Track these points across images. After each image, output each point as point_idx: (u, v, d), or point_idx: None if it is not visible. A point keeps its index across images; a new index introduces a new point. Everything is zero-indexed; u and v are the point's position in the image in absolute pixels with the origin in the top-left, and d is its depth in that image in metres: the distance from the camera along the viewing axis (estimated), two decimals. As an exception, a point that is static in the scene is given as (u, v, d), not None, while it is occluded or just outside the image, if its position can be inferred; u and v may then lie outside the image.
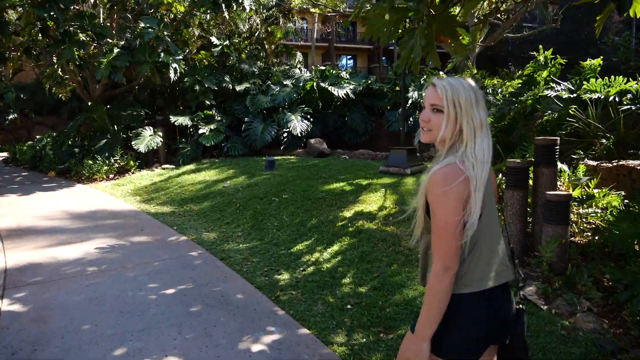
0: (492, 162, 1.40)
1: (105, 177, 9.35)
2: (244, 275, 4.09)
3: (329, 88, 10.83)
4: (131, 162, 9.68)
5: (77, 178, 9.57)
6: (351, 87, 11.09)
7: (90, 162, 9.59)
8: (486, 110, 1.38)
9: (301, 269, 4.13)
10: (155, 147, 9.73)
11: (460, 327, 1.36)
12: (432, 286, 1.33)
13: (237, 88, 10.91)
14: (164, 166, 9.90)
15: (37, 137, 13.10)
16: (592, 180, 4.56)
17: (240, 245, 4.97)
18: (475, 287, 1.36)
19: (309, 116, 10.67)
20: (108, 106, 10.95)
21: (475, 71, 11.82)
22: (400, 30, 3.61)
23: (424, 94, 1.49)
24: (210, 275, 4.06)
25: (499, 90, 10.06)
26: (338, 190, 6.29)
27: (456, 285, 1.36)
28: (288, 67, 12.59)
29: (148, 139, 9.81)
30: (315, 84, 10.98)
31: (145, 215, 6.45)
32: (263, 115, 10.77)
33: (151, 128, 10.12)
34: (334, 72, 11.53)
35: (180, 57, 9.61)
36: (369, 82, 11.23)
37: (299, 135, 10.32)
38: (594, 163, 4.95)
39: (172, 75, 9.44)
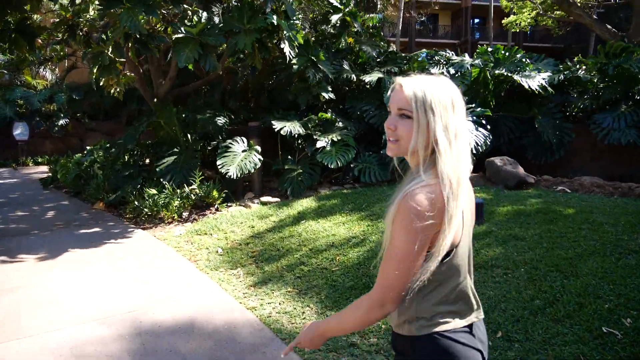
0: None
1: (176, 216, 5.93)
2: None
3: (515, 77, 6.88)
4: (214, 193, 6.21)
5: (135, 216, 6.23)
6: (544, 76, 7.09)
7: (154, 191, 6.22)
8: (464, 117, 1.14)
9: None
10: (253, 170, 6.19)
11: None
12: (359, 311, 1.15)
13: (367, 79, 7.20)
14: (262, 199, 6.35)
15: (87, 148, 10.09)
16: None
17: None
18: (432, 328, 1.15)
19: (484, 122, 6.78)
20: (179, 106, 7.63)
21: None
22: None
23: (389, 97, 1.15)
24: None
25: None
26: None
27: (410, 325, 1.17)
28: (435, 50, 8.76)
29: (241, 156, 6.29)
30: (487, 71, 7.08)
31: (283, 348, 2.82)
32: (411, 120, 7.00)
33: (243, 140, 6.60)
34: (507, 54, 7.58)
35: (299, 21, 6.02)
36: (573, 68, 7.18)
37: (473, 151, 6.46)
38: None
39: (287, 50, 5.86)
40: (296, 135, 6.59)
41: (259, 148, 6.44)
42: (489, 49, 7.72)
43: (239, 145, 6.45)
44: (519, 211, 4.65)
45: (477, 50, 7.80)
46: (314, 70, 6.88)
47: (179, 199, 6.07)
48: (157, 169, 6.63)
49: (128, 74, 6.96)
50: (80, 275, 4.07)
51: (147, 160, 8.04)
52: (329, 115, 7.01)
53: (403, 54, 8.70)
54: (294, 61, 6.76)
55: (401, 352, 1.22)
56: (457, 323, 1.16)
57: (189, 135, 7.11)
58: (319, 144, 6.49)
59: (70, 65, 14.75)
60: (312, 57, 6.92)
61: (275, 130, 6.50)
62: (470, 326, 1.18)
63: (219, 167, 6.09)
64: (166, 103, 6.96)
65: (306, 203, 5.91)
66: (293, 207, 5.81)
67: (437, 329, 1.15)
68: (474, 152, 6.50)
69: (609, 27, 14.33)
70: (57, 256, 4.62)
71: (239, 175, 6.01)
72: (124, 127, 12.72)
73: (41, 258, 4.56)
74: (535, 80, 6.94)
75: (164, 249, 4.88)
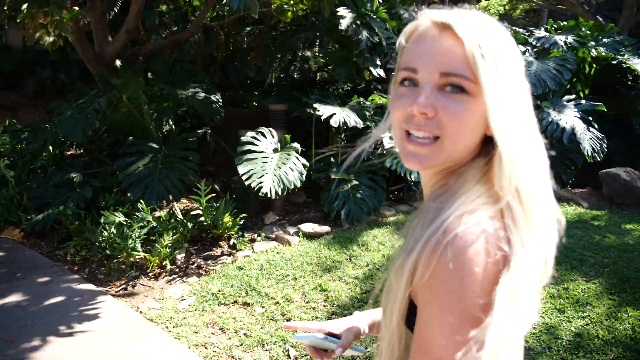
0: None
1: (168, 262, 3.39)
2: None
3: (631, 62, 5.18)
4: (226, 219, 3.73)
5: (85, 260, 3.56)
6: (652, 61, 5.49)
7: (121, 216, 3.60)
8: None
9: None
10: (299, 183, 3.78)
11: None
12: None
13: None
14: (303, 227, 3.95)
15: (-17, 130, 6.82)
16: None
17: None
18: None
19: (590, 118, 5.00)
20: (149, 75, 4.92)
21: None
22: None
23: (400, 48, 0.63)
24: None
25: None
26: None
27: None
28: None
29: (275, 160, 3.83)
30: (587, 52, 5.30)
31: None
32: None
33: (272, 133, 4.12)
34: (601, 31, 5.89)
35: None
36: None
37: (588, 158, 4.66)
38: None
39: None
40: (353, 127, 4.28)
41: (297, 146, 4.04)
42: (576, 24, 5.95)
43: (266, 140, 3.98)
44: None
45: (555, 25, 5.98)
46: (368, 34, 4.60)
47: (168, 231, 3.52)
48: (120, 175, 3.98)
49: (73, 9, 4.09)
50: None
51: (80, 152, 5.23)
52: (386, 98, 4.79)
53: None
54: (341, 13, 4.45)
55: None
56: None
57: (169, 121, 4.48)
58: (387, 144, 4.25)
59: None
60: (365, 13, 4.63)
61: (322, 118, 4.12)
62: None
63: (243, 177, 3.60)
64: (136, 68, 4.25)
65: (384, 236, 3.68)
66: (370, 245, 3.55)
67: None
68: (590, 161, 4.70)
69: (599, 18, 13.63)
70: None
71: (279, 193, 3.59)
72: (34, 101, 9.22)
73: None
74: (646, 66, 5.30)
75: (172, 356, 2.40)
